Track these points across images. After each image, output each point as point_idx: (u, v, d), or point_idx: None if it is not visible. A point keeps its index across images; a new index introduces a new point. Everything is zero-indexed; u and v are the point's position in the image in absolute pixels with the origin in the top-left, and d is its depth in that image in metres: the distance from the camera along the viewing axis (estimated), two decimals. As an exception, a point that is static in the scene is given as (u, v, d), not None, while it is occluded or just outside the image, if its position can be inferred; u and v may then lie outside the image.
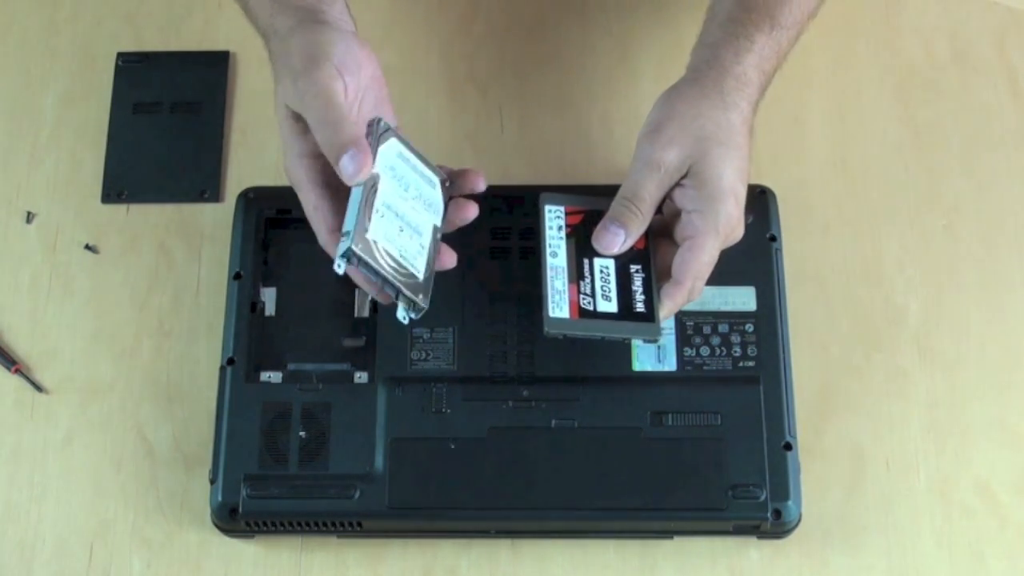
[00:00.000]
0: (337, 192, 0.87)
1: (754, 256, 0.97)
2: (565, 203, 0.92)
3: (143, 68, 1.08)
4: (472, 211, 0.90)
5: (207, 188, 1.04)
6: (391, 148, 0.87)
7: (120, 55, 1.08)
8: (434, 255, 0.88)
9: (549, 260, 0.89)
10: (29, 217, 1.03)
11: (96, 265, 1.02)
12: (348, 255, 0.83)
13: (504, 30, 1.09)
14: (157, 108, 1.06)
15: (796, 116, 1.06)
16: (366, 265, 0.84)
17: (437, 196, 0.89)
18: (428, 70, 1.08)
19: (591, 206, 0.91)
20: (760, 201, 0.99)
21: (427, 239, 0.88)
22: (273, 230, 0.98)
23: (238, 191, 1.00)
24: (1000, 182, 1.04)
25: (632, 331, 0.88)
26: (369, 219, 0.84)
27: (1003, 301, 1.00)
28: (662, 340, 0.91)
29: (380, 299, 0.89)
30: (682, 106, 0.88)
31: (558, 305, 0.88)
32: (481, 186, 0.91)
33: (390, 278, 0.85)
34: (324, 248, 0.88)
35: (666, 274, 0.88)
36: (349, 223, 0.84)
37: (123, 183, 1.04)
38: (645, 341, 0.89)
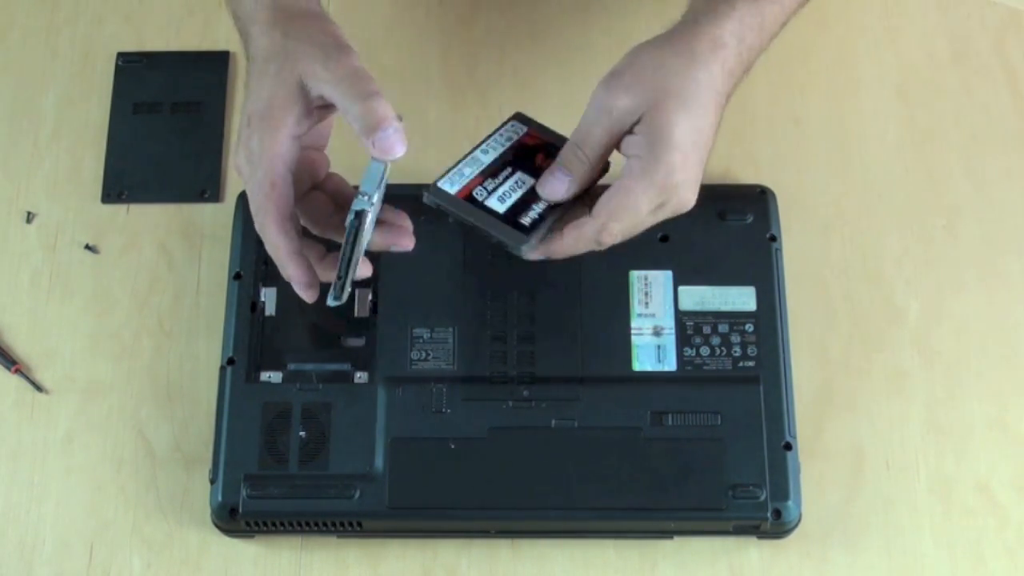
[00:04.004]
0: (291, 181, 0.85)
1: (754, 256, 0.97)
2: (532, 127, 0.90)
3: (143, 68, 1.08)
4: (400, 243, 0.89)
5: (207, 188, 1.04)
6: None
7: (120, 55, 1.08)
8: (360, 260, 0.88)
9: (478, 152, 0.88)
10: (29, 217, 1.03)
11: (96, 265, 1.02)
12: (360, 214, 0.82)
13: (504, 31, 1.09)
14: (157, 108, 1.06)
15: (796, 116, 1.06)
16: (357, 233, 0.83)
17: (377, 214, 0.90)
18: (428, 71, 1.08)
19: (555, 139, 0.89)
20: (760, 201, 0.99)
21: (366, 243, 0.88)
22: (273, 230, 0.99)
23: (238, 191, 1.00)
24: (1000, 182, 1.04)
25: (502, 232, 0.86)
26: (378, 196, 0.83)
27: (1003, 301, 1.00)
28: (522, 250, 0.87)
29: (299, 284, 0.86)
30: (646, 57, 0.86)
31: (451, 181, 0.87)
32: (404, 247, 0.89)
33: (355, 256, 0.84)
34: (261, 231, 0.85)
35: None
36: (368, 187, 0.83)
37: (123, 183, 1.04)
38: (510, 248, 0.86)
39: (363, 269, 0.87)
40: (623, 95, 0.85)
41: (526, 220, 0.86)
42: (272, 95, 0.85)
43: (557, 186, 0.86)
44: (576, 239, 0.86)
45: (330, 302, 0.85)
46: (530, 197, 0.87)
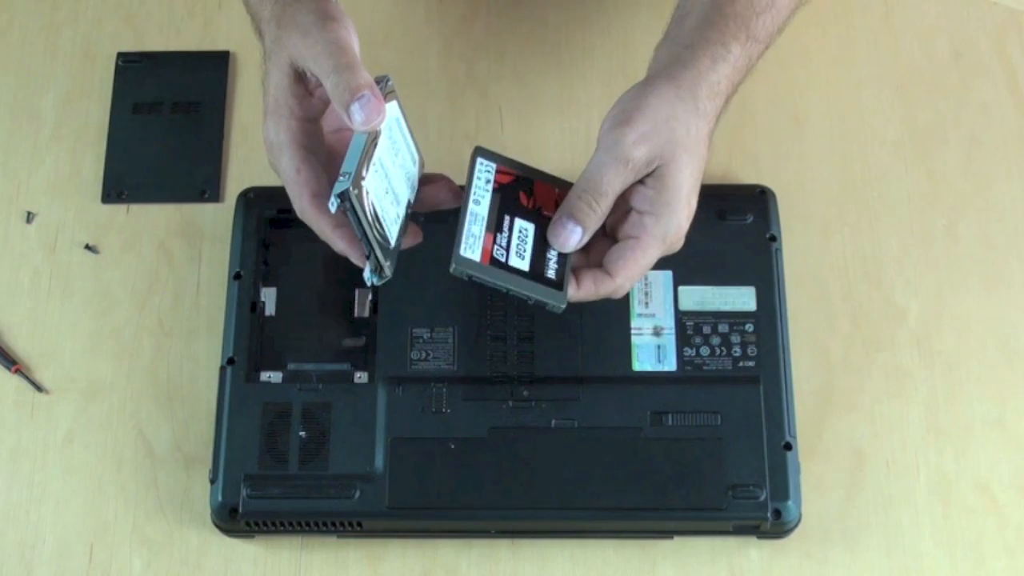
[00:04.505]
0: (319, 159, 0.86)
1: (754, 256, 0.97)
2: (497, 161, 0.89)
3: (143, 68, 1.08)
4: (449, 198, 0.89)
5: (207, 188, 1.04)
6: (391, 110, 0.85)
7: (120, 55, 1.08)
8: (404, 229, 0.87)
9: (471, 206, 0.86)
10: (29, 217, 1.03)
11: (96, 265, 1.02)
12: (344, 196, 0.81)
13: (504, 30, 1.09)
14: (157, 108, 1.06)
15: (796, 116, 1.06)
16: (354, 212, 0.82)
17: (415, 173, 0.89)
18: (428, 70, 1.08)
19: (522, 171, 0.89)
20: (760, 201, 0.99)
21: (402, 210, 0.87)
22: (273, 230, 0.99)
23: (238, 191, 1.00)
24: (1000, 182, 1.04)
25: (540, 293, 0.85)
26: (366, 169, 0.82)
27: (1003, 301, 1.00)
28: (562, 308, 0.86)
29: (351, 256, 0.86)
30: (656, 103, 0.85)
31: (471, 247, 0.85)
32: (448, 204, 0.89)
33: (369, 233, 0.83)
34: (302, 216, 0.86)
35: (593, 265, 0.87)
36: (349, 165, 0.81)
37: (123, 183, 1.04)
38: (550, 307, 0.86)
39: (409, 238, 0.87)
40: (640, 146, 0.84)
41: (550, 273, 0.86)
42: (276, 86, 0.86)
43: (571, 238, 0.86)
44: (592, 293, 0.87)
45: (369, 281, 0.85)
46: (539, 246, 0.87)
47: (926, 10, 1.09)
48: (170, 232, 1.03)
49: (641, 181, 0.85)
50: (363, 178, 0.82)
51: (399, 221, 0.86)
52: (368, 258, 0.85)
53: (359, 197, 0.81)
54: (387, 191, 0.85)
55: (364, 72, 0.82)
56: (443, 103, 1.07)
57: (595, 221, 0.85)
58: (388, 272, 0.85)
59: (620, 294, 0.87)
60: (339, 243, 0.85)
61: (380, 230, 0.84)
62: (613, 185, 0.84)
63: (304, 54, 0.83)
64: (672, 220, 0.85)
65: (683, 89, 0.86)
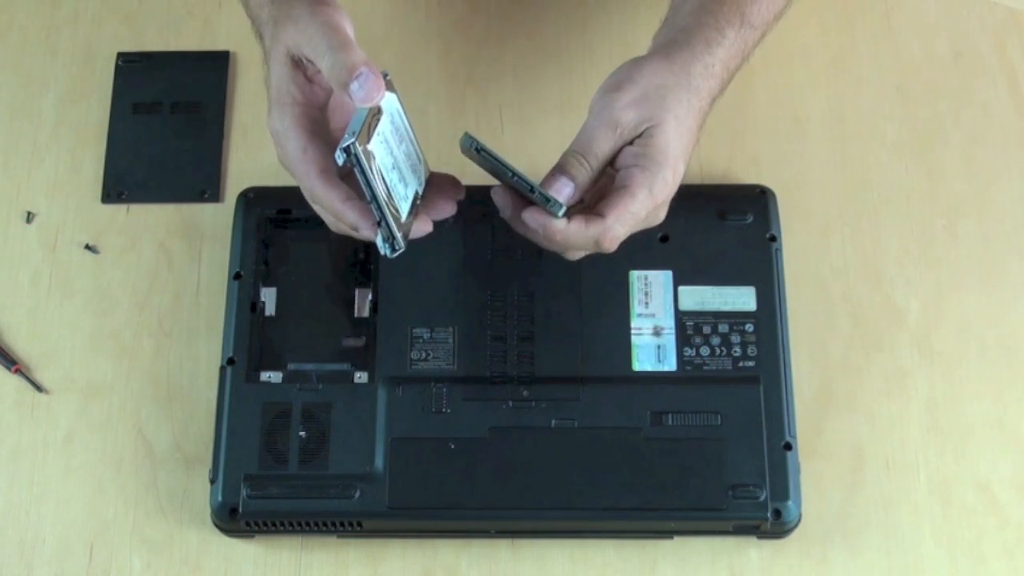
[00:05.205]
0: (324, 142, 0.86)
1: (754, 256, 0.97)
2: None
3: (143, 68, 1.08)
4: (452, 207, 0.89)
5: (207, 188, 1.04)
6: (391, 101, 0.85)
7: (120, 55, 1.08)
8: (413, 213, 0.87)
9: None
10: (29, 217, 1.03)
11: (96, 265, 1.02)
12: (350, 149, 0.81)
13: (504, 31, 1.09)
14: (157, 108, 1.06)
15: (796, 116, 1.06)
16: (362, 169, 0.81)
17: (421, 168, 0.88)
18: (428, 71, 1.08)
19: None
20: (760, 201, 0.99)
21: (411, 193, 0.86)
22: (273, 230, 0.99)
23: (238, 191, 1.00)
24: (1000, 182, 1.04)
25: (539, 191, 0.85)
26: (370, 135, 0.82)
27: (1003, 301, 1.00)
28: (562, 214, 0.85)
29: (363, 228, 0.85)
30: (648, 72, 0.87)
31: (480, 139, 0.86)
32: (455, 198, 0.89)
33: (379, 194, 0.83)
34: (311, 196, 0.86)
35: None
36: (354, 128, 0.82)
37: (123, 183, 1.04)
38: (551, 206, 0.84)
39: (421, 225, 0.87)
40: (630, 111, 0.86)
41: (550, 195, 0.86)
42: (277, 77, 0.86)
43: (563, 189, 0.86)
44: (583, 232, 0.86)
45: (384, 252, 0.84)
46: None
47: (926, 10, 1.09)
48: (170, 232, 1.03)
49: (630, 143, 0.86)
50: (368, 140, 0.82)
51: (409, 201, 0.86)
52: (380, 226, 0.84)
53: (366, 152, 0.81)
54: (393, 167, 0.84)
55: (359, 50, 0.83)
56: (443, 103, 1.07)
57: (585, 177, 0.86)
58: (401, 243, 0.84)
59: (608, 242, 0.86)
60: (350, 215, 0.85)
61: (391, 200, 0.84)
62: (603, 147, 0.86)
63: (298, 40, 0.84)
64: (659, 173, 0.85)
65: (676, 65, 0.88)
